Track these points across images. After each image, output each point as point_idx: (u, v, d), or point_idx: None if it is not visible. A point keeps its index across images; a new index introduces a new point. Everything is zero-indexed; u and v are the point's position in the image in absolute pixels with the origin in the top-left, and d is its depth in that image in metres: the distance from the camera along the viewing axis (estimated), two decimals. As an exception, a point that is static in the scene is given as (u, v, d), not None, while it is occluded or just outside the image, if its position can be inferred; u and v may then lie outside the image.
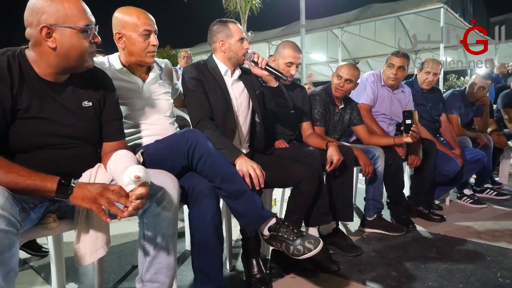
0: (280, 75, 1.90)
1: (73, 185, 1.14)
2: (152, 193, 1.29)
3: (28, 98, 1.22)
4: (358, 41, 15.65)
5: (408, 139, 2.43)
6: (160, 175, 1.38)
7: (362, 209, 2.68)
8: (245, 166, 1.63)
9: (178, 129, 1.87)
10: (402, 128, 2.47)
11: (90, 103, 1.39)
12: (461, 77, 25.93)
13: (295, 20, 13.16)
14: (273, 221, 1.57)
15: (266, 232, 1.57)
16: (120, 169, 1.29)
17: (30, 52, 1.26)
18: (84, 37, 1.25)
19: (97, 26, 1.30)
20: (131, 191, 1.16)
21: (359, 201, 2.95)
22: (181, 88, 2.09)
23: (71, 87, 1.35)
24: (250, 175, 1.61)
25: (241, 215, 1.56)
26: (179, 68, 5.00)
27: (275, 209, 2.75)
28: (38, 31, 1.19)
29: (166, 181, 1.36)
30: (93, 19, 1.29)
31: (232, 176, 1.51)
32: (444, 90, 11.54)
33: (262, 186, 1.64)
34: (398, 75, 2.80)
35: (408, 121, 2.39)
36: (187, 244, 2.21)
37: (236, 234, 2.24)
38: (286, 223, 1.58)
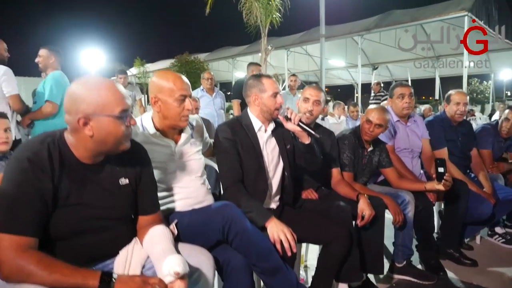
0: (313, 132, 1.88)
1: (114, 280, 1.14)
2: (189, 274, 1.28)
3: (68, 185, 1.23)
4: (378, 47, 15.43)
5: (440, 187, 2.36)
6: (196, 254, 1.38)
7: (388, 249, 2.61)
8: (276, 232, 1.62)
9: (209, 187, 1.87)
10: (434, 175, 2.40)
11: (127, 180, 1.39)
12: (484, 81, 25.43)
13: (314, 25, 13.07)
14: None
15: (300, 305, 1.55)
16: (157, 252, 1.30)
17: (68, 135, 1.28)
18: (121, 123, 1.26)
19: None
20: (170, 282, 1.17)
21: (387, 243, 2.89)
22: (211, 141, 2.09)
23: (108, 166, 1.35)
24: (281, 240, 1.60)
25: None
26: (202, 89, 4.99)
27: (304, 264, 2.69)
28: (76, 121, 1.20)
29: (202, 260, 1.37)
30: (129, 102, 1.29)
31: (267, 252, 1.49)
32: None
33: (294, 251, 1.62)
34: (411, 103, 2.84)
35: (441, 169, 2.32)
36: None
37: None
38: None
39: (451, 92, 3.12)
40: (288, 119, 1.90)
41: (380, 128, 2.43)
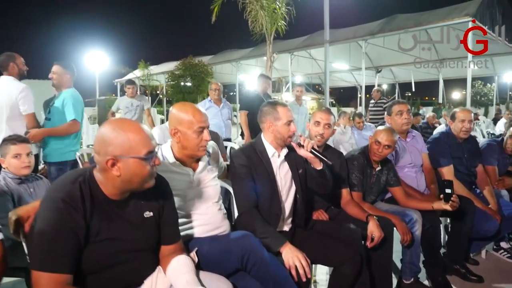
0: (325, 159, 1.95)
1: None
2: (210, 303, 1.36)
3: (98, 222, 1.31)
4: (381, 50, 15.46)
5: (447, 207, 2.42)
6: (216, 283, 1.45)
7: (395, 265, 2.67)
8: (291, 258, 1.69)
9: (225, 212, 1.93)
10: (441, 196, 2.46)
11: (151, 213, 1.46)
12: (488, 84, 25.44)
13: (318, 29, 13.08)
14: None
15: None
16: (182, 284, 1.38)
17: (98, 174, 1.35)
18: (146, 163, 1.33)
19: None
20: None
21: (394, 257, 2.95)
22: (225, 165, 2.16)
23: (133, 201, 1.43)
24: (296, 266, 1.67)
25: None
26: (209, 100, 5.07)
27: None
28: (104, 161, 1.28)
29: (222, 288, 1.43)
30: (154, 142, 1.36)
31: (284, 281, 1.56)
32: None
33: (309, 277, 1.69)
34: (409, 118, 2.95)
35: (448, 191, 2.38)
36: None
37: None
38: None
39: (456, 109, 3.18)
40: (301, 145, 1.97)
41: (388, 149, 2.49)
